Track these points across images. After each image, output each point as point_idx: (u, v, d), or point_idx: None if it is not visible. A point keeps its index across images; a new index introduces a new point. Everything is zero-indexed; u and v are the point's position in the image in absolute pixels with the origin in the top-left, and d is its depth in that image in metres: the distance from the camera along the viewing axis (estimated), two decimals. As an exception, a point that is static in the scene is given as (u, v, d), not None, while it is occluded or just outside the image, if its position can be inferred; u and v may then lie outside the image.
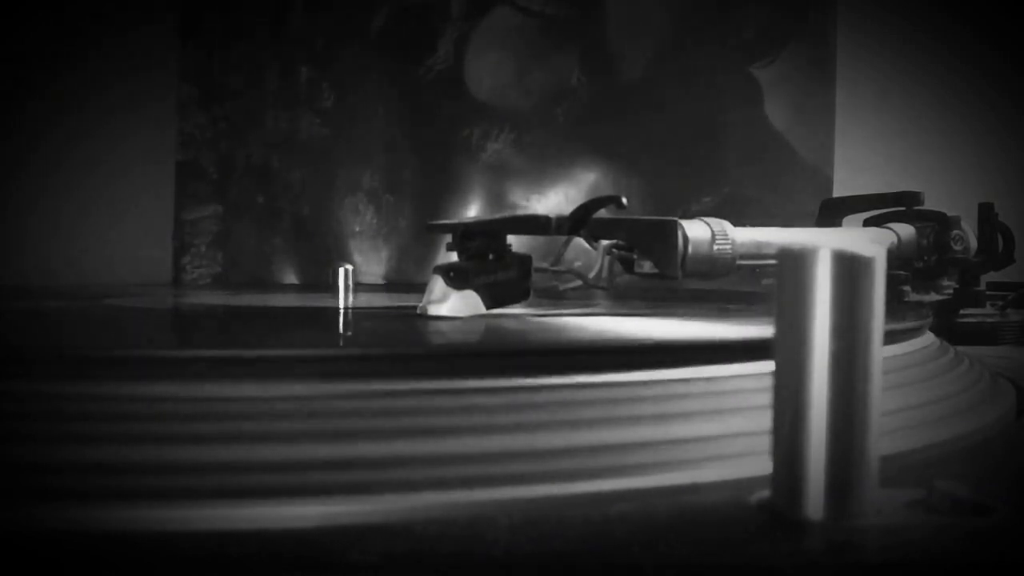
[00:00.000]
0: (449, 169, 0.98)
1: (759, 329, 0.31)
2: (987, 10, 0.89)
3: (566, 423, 0.24)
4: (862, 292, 0.19)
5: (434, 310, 0.39)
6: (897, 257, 0.53)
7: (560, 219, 0.43)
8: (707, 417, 0.25)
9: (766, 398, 0.20)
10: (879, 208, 0.57)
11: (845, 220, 0.60)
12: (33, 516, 0.20)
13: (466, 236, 0.42)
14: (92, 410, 0.22)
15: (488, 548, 0.19)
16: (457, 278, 0.40)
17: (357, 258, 0.98)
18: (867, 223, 0.57)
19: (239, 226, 1.00)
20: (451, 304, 0.39)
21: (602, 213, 0.43)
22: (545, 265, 0.46)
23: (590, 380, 0.25)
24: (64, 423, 0.22)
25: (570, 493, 0.22)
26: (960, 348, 0.39)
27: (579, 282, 0.46)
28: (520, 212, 0.91)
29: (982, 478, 0.25)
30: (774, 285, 0.20)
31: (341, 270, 0.59)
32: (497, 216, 0.63)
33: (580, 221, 0.43)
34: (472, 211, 0.97)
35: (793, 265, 0.19)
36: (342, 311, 0.51)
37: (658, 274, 0.44)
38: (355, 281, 0.61)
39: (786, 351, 0.20)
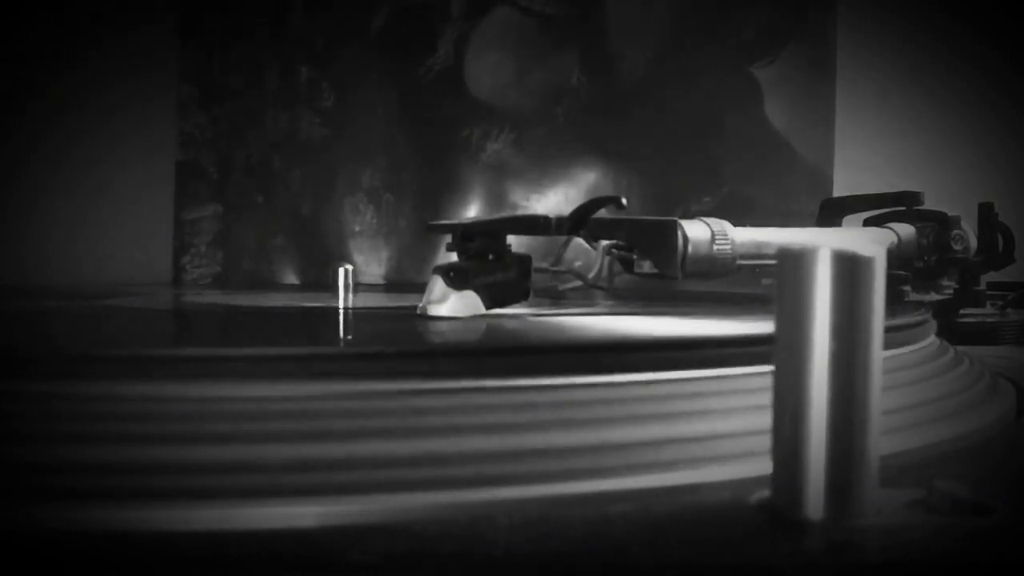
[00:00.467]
0: (449, 169, 0.98)
1: (759, 329, 0.31)
2: (987, 10, 0.89)
3: (566, 423, 0.24)
4: (862, 292, 0.19)
5: (434, 310, 0.39)
6: (897, 257, 0.53)
7: (560, 219, 0.43)
8: (707, 417, 0.25)
9: (766, 398, 0.20)
10: (879, 208, 0.57)
11: (845, 220, 0.60)
12: (33, 516, 0.20)
13: (466, 236, 0.42)
14: (92, 410, 0.22)
15: (488, 548, 0.19)
16: (457, 278, 0.40)
17: (357, 258, 0.98)
18: (867, 223, 0.57)
19: (239, 226, 1.00)
20: (451, 304, 0.39)
21: (602, 213, 0.43)
22: (545, 265, 0.46)
23: (590, 380, 0.25)
24: (64, 423, 0.22)
25: (570, 493, 0.22)
26: (960, 348, 0.39)
27: (579, 282, 0.46)
28: (520, 212, 0.91)
29: (982, 478, 0.25)
30: (774, 285, 0.20)
31: (341, 270, 0.59)
32: (497, 216, 0.63)
33: (580, 221, 0.43)
34: (472, 211, 0.97)
35: (793, 265, 0.19)
36: (342, 311, 0.51)
37: (658, 274, 0.44)
38: (355, 281, 0.61)
39: (786, 351, 0.20)
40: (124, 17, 0.96)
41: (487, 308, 0.40)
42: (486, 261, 0.42)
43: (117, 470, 0.21)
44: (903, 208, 0.56)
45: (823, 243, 0.19)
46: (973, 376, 0.35)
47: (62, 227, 0.96)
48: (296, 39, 1.00)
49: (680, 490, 0.23)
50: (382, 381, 0.24)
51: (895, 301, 0.51)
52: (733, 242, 0.44)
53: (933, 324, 0.40)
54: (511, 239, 0.43)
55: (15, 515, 0.19)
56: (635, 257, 0.44)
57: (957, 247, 0.54)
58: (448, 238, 0.43)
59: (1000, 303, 0.56)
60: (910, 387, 0.31)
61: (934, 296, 0.55)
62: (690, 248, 0.43)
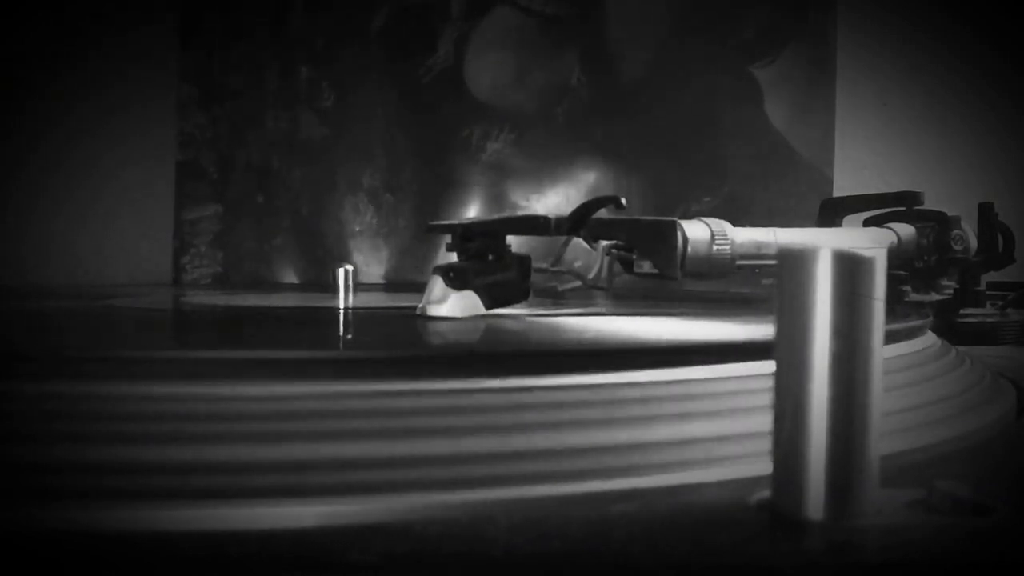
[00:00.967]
0: (449, 169, 0.98)
1: (759, 329, 0.31)
2: (987, 10, 0.89)
3: (566, 423, 0.24)
4: (862, 292, 0.19)
5: (434, 311, 0.39)
6: (897, 257, 0.53)
7: (560, 219, 0.43)
8: (707, 417, 0.25)
9: (766, 398, 0.20)
10: (879, 208, 0.57)
11: (845, 220, 0.60)
12: (33, 516, 0.20)
13: (466, 236, 0.42)
14: (91, 410, 0.22)
15: (488, 548, 0.19)
16: (457, 279, 0.40)
17: (357, 258, 0.98)
18: (867, 223, 0.57)
19: (239, 226, 1.00)
20: (451, 305, 0.39)
21: (602, 213, 0.43)
22: (545, 265, 0.46)
23: (590, 380, 0.25)
24: (64, 423, 0.22)
25: (570, 493, 0.22)
26: (960, 348, 0.39)
27: (578, 282, 0.46)
28: (520, 212, 0.91)
29: (982, 478, 0.25)
30: (774, 285, 0.20)
31: (341, 270, 0.59)
32: (497, 216, 0.63)
33: (579, 221, 0.43)
34: (472, 211, 0.97)
35: (793, 265, 0.19)
36: (342, 311, 0.51)
37: (657, 274, 0.44)
38: (355, 281, 0.61)
39: (786, 351, 0.20)
40: (124, 17, 0.96)
41: (487, 308, 0.40)
42: (486, 261, 0.42)
43: (117, 470, 0.21)
44: (903, 208, 0.56)
45: (823, 243, 0.19)
46: (974, 376, 0.35)
47: (62, 227, 0.96)
48: (296, 39, 1.00)
49: (680, 490, 0.23)
50: (382, 381, 0.24)
51: (895, 301, 0.51)
52: (733, 242, 0.44)
53: (931, 322, 0.40)
54: (511, 239, 0.43)
55: (15, 515, 0.19)
56: (635, 257, 0.44)
57: (957, 247, 0.54)
58: (448, 238, 0.43)
59: (1000, 303, 0.56)
60: (910, 387, 0.31)
61: (934, 296, 0.55)
62: (689, 248, 0.43)
